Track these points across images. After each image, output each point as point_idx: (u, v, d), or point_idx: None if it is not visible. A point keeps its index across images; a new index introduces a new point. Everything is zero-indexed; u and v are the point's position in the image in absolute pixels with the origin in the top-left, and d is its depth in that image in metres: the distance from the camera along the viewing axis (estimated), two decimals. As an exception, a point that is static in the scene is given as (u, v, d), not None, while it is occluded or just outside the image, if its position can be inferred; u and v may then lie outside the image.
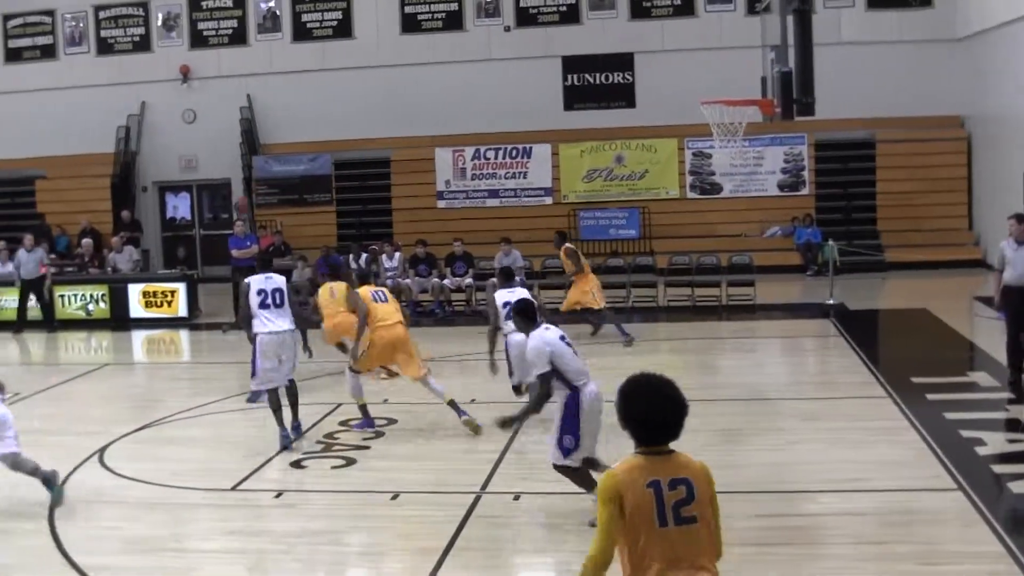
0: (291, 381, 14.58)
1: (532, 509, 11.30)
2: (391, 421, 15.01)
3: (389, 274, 26.04)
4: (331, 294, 18.31)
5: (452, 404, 14.61)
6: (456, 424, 14.38)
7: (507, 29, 33.19)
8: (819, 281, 27.60)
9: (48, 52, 35.76)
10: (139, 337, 25.42)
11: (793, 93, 17.80)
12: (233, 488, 12.27)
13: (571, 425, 10.53)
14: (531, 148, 32.49)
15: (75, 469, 13.19)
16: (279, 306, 14.39)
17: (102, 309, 26.54)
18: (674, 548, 5.54)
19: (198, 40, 34.88)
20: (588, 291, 21.61)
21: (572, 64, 32.98)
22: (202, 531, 11.20)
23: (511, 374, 15.14)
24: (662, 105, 31.22)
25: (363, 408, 14.92)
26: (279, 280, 14.61)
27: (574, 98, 33.06)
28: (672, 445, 5.77)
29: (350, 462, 13.10)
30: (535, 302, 12.91)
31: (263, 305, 14.34)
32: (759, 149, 31.04)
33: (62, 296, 26.73)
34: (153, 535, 10.84)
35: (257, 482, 12.49)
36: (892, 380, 16.34)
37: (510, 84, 32.59)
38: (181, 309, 26.21)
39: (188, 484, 12.40)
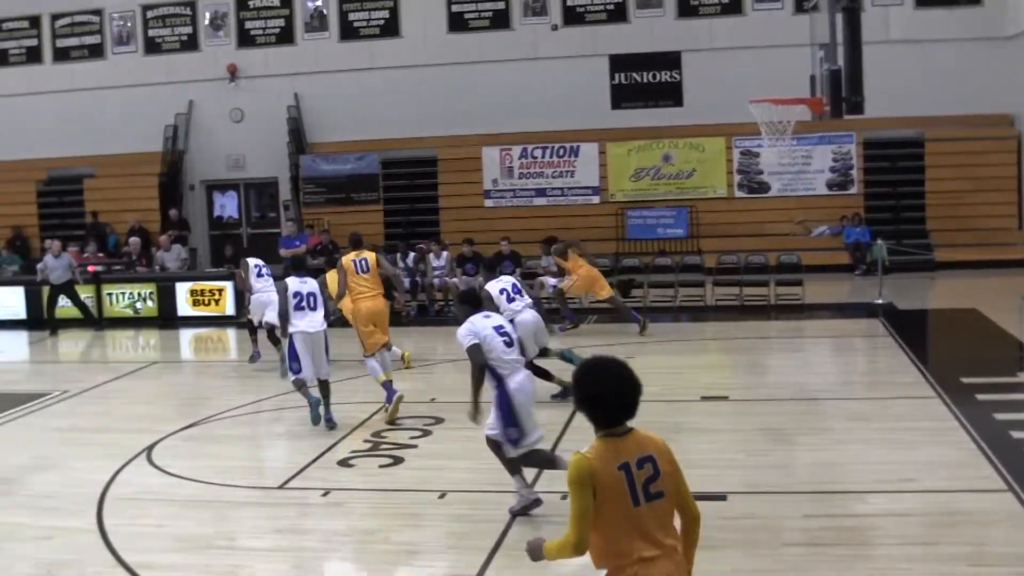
0: (325, 379, 15.20)
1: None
2: (438, 420, 14.99)
3: (436, 273, 26.10)
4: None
5: (386, 385, 15.42)
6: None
7: (554, 28, 33.19)
8: (868, 280, 27.43)
9: (96, 52, 36.04)
10: (187, 335, 25.59)
11: (842, 91, 17.73)
12: (280, 486, 12.30)
13: (509, 417, 10.78)
14: (578, 147, 32.48)
15: (123, 467, 13.26)
16: (313, 308, 15.16)
17: (150, 307, 26.72)
18: (646, 525, 5.70)
19: (245, 39, 35.06)
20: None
21: (619, 63, 32.95)
22: (249, 529, 11.23)
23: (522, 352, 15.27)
24: (710, 104, 31.15)
25: (385, 384, 15.48)
26: (313, 283, 15.45)
27: (621, 97, 33.02)
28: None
29: (398, 461, 13.09)
30: (478, 290, 13.66)
31: (298, 307, 15.10)
32: (807, 148, 30.89)
33: (110, 294, 26.93)
34: (201, 533, 10.88)
35: (304, 480, 12.50)
36: (941, 380, 16.20)
37: (557, 83, 32.58)
38: (228, 307, 26.34)
39: (236, 482, 12.44)
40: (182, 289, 26.50)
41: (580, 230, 29.62)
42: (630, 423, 5.89)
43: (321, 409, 14.92)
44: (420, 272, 26.28)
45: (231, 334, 25.37)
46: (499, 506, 11.06)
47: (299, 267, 15.97)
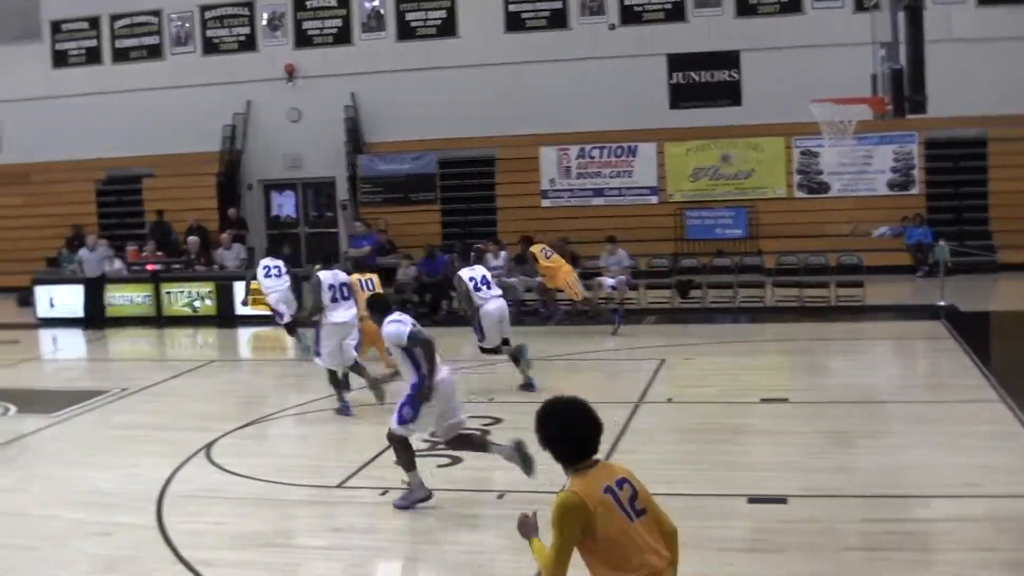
0: (356, 361, 16.51)
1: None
2: (496, 420, 14.99)
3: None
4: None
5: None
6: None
7: (612, 27, 33.10)
8: (930, 282, 27.16)
9: (155, 52, 36.28)
10: (245, 334, 25.72)
11: (904, 90, 17.58)
12: (339, 485, 12.36)
13: (413, 402, 11.47)
14: (636, 147, 32.39)
15: (182, 465, 13.37)
16: (346, 299, 16.43)
17: (208, 306, 26.89)
18: (646, 539, 5.97)
19: (303, 39, 35.20)
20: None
21: (677, 62, 32.82)
22: (308, 528, 11.29)
23: (480, 340, 17.58)
24: (769, 103, 30.94)
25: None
26: (344, 275, 16.83)
27: (680, 96, 32.89)
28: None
29: (456, 461, 13.07)
30: (385, 296, 14.13)
31: (333, 299, 16.29)
32: (868, 148, 30.64)
33: (168, 293, 27.15)
34: (259, 531, 10.95)
35: (363, 479, 12.55)
36: (1005, 383, 16.03)
37: (615, 82, 32.48)
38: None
39: (294, 481, 12.51)
40: (240, 288, 26.60)
41: (637, 230, 29.60)
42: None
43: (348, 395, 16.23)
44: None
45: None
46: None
47: (330, 262, 17.35)
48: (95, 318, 26.94)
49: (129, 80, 35.83)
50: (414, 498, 11.40)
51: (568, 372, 19.40)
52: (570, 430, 6.11)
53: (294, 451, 14.45)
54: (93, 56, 36.83)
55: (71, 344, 25.82)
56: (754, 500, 11.18)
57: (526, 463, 11.03)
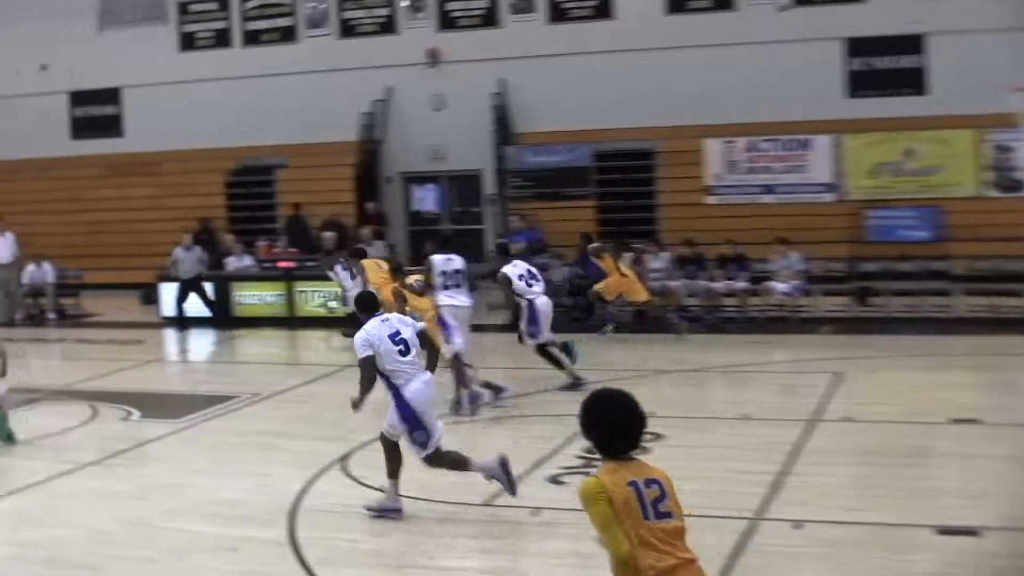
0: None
1: (817, 540, 11.02)
2: (657, 436, 14.85)
3: (655, 276, 25.92)
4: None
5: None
6: (729, 442, 14.29)
7: (782, 8, 32.66)
8: None
9: (288, 35, 36.70)
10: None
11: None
12: (485, 503, 12.33)
13: (412, 422, 11.88)
14: (810, 139, 31.96)
15: (317, 476, 13.46)
16: (459, 286, 17.63)
17: (344, 307, 26.98)
18: (659, 539, 6.35)
19: (446, 21, 35.32)
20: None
21: (856, 47, 32.32)
22: (451, 548, 11.28)
23: (532, 336, 18.29)
24: (958, 92, 30.29)
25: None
26: (459, 261, 17.89)
27: (858, 84, 32.37)
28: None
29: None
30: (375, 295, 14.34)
31: (445, 286, 17.53)
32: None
33: (302, 292, 27.39)
34: (399, 550, 10.98)
35: (511, 497, 12.52)
36: None
37: (786, 69, 32.02)
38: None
39: (438, 497, 12.51)
40: (379, 287, 26.74)
41: (811, 231, 29.13)
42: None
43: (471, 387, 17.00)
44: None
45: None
46: (725, 531, 10.94)
47: (446, 246, 18.43)
48: (183, 319, 27.69)
49: (260, 64, 36.24)
50: (387, 506, 11.89)
51: (731, 385, 19.24)
52: (610, 420, 6.55)
53: (436, 465, 14.51)
54: (222, 39, 37.37)
55: (197, 346, 26.22)
56: (943, 531, 10.91)
57: (509, 480, 11.59)
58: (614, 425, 6.55)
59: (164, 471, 14.57)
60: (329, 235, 29.93)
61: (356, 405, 12.25)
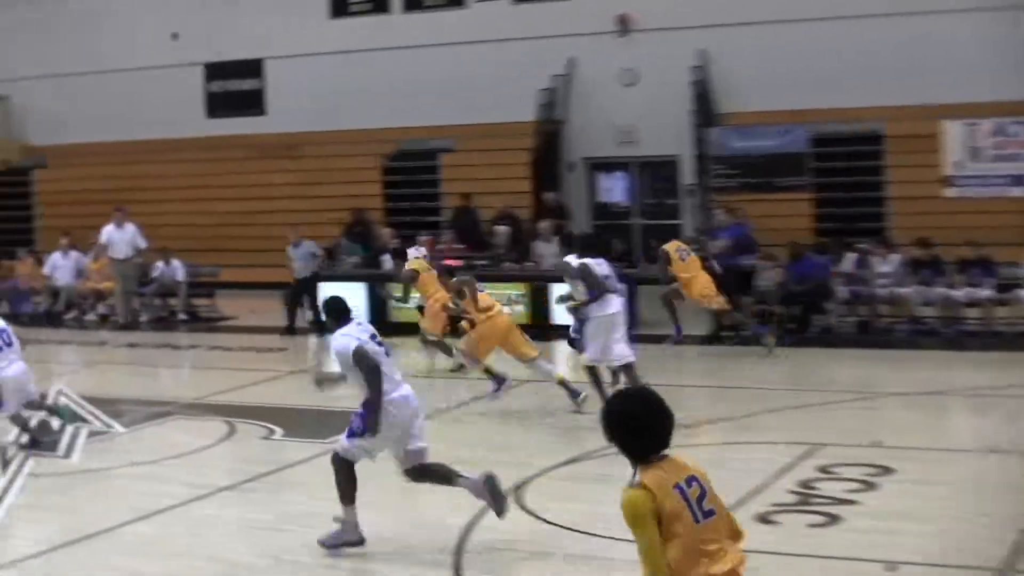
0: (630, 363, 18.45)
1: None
2: (886, 470, 14.60)
3: (882, 280, 25.56)
4: None
5: (563, 383, 19.03)
6: (972, 478, 14.01)
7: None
8: None
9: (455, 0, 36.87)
10: (562, 348, 25.56)
11: None
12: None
13: (365, 420, 12.13)
14: (1071, 122, 31.32)
15: (485, 509, 13.37)
16: (613, 291, 18.54)
17: (520, 312, 26.84)
18: (709, 541, 6.81)
19: (640, -19, 35.21)
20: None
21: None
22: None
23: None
24: None
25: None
26: (608, 266, 18.86)
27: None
28: None
29: (832, 519, 12.84)
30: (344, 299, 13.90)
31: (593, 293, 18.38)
32: None
33: (470, 296, 27.37)
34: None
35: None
36: None
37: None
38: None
39: (624, 535, 12.34)
40: (559, 292, 26.37)
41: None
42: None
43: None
44: (861, 279, 25.85)
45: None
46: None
47: (591, 249, 19.36)
48: (292, 327, 28.48)
49: (422, 34, 36.53)
50: (344, 539, 11.98)
51: (974, 411, 18.97)
52: (633, 420, 6.90)
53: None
54: (380, 4, 37.76)
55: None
56: None
57: (497, 501, 11.85)
58: (636, 424, 6.89)
59: (304, 498, 14.60)
60: (502, 229, 29.96)
61: (375, 427, 12.14)
